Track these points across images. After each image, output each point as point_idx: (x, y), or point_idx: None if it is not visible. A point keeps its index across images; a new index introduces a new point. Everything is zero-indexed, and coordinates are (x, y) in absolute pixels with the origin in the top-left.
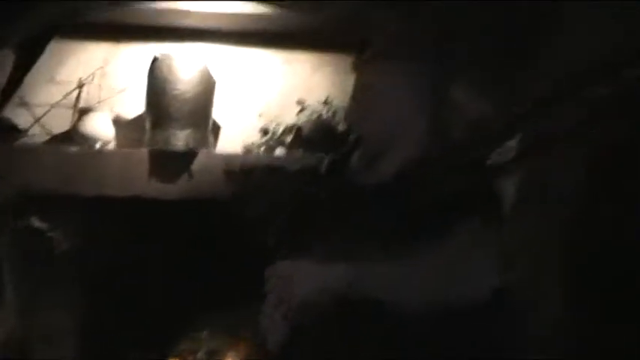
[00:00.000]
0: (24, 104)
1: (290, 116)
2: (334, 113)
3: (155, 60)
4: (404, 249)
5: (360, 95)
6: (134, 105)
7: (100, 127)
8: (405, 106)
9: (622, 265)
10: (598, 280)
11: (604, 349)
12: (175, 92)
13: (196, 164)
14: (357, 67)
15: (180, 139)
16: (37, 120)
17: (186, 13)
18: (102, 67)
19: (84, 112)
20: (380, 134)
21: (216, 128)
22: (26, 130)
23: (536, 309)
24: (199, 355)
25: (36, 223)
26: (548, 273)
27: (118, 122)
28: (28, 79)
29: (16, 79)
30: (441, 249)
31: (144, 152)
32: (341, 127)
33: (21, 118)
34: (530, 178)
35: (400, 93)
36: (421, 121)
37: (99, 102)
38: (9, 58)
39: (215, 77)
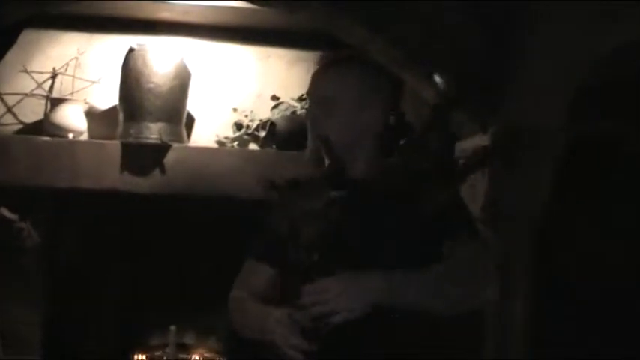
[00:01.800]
0: None
1: (264, 111)
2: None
3: (130, 51)
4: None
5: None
6: (108, 97)
7: (73, 118)
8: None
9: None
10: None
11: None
12: (150, 85)
13: (169, 158)
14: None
15: (154, 132)
16: (9, 109)
17: (163, 6)
18: (76, 58)
19: (57, 102)
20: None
21: (190, 122)
22: None
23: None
24: (167, 349)
25: (6, 213)
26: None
27: (91, 113)
28: (1, 68)
29: None
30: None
31: (117, 144)
32: None
33: None
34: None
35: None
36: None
37: (72, 93)
38: None
39: (190, 71)
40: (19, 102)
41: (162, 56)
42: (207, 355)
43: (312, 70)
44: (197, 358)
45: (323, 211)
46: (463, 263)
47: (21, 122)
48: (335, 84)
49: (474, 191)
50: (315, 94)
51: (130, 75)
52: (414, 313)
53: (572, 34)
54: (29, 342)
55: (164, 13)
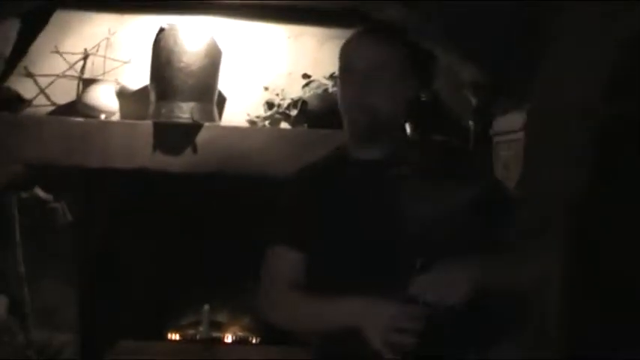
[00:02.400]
0: (29, 74)
1: (295, 90)
2: None
3: (161, 31)
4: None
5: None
6: (139, 77)
7: (105, 99)
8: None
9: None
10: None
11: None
12: (181, 64)
13: (201, 137)
14: None
15: (185, 111)
16: (42, 90)
17: None
18: (107, 38)
19: (89, 83)
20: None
21: (221, 101)
22: (31, 101)
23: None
24: (201, 329)
25: (40, 193)
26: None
27: (122, 94)
28: (33, 49)
29: (21, 50)
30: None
31: (148, 124)
32: None
33: (25, 88)
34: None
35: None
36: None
37: (104, 73)
38: (13, 28)
39: (221, 49)
40: (51, 83)
41: (192, 35)
42: (240, 333)
43: None
44: (230, 336)
45: (388, 190)
46: (522, 242)
47: (53, 103)
48: (378, 53)
49: (508, 171)
50: (352, 64)
51: (161, 55)
52: (505, 293)
53: (603, 14)
54: (64, 320)
55: None
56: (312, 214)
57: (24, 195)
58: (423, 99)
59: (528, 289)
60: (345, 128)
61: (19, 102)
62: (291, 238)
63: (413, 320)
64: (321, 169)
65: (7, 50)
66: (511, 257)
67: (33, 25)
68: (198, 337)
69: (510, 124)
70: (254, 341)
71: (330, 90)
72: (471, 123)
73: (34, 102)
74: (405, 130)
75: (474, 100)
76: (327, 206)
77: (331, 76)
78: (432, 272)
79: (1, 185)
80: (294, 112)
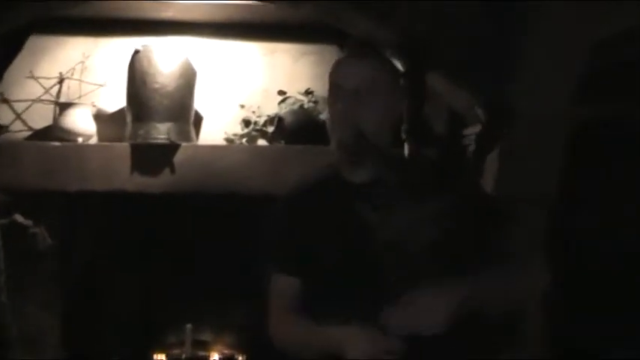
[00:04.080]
0: (4, 100)
1: (271, 107)
2: (316, 103)
3: (135, 53)
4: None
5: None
6: (115, 99)
7: (82, 122)
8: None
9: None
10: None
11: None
12: (156, 85)
13: (178, 157)
14: None
15: (162, 132)
16: (18, 116)
17: (166, 6)
18: (82, 62)
19: (65, 107)
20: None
21: (198, 120)
22: (7, 126)
23: None
24: (185, 348)
25: (19, 219)
26: None
27: (99, 116)
28: (8, 74)
29: None
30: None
31: (125, 146)
32: (323, 117)
33: (1, 114)
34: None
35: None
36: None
37: (80, 96)
38: None
39: (196, 69)
40: (27, 108)
41: (167, 56)
42: (226, 351)
43: (318, 64)
44: (217, 355)
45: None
46: (517, 253)
47: (30, 128)
48: (364, 73)
49: (485, 177)
50: (343, 85)
51: (136, 76)
52: (493, 314)
53: (571, 20)
54: (47, 344)
55: (167, 13)
56: (302, 239)
57: (3, 221)
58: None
59: (525, 301)
60: (334, 149)
61: None
62: (284, 264)
63: (390, 353)
64: (311, 193)
65: None
66: (505, 270)
67: (7, 50)
68: (183, 356)
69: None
70: (240, 359)
71: (306, 106)
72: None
73: (11, 127)
74: (390, 150)
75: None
76: (318, 230)
77: (306, 92)
78: (407, 300)
79: None
80: (270, 129)
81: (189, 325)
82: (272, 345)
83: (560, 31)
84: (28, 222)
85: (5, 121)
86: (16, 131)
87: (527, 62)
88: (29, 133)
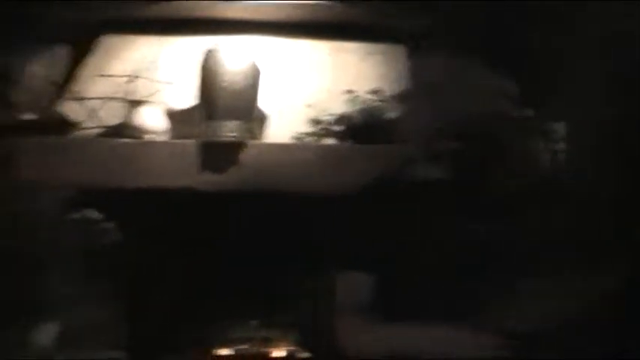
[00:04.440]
0: (78, 98)
1: (339, 106)
2: (383, 102)
3: (205, 52)
4: None
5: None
6: (184, 97)
7: (152, 120)
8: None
9: None
10: None
11: None
12: (224, 84)
13: (246, 155)
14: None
15: (230, 130)
16: (91, 114)
17: (234, 6)
18: (152, 61)
19: (135, 104)
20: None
21: (265, 119)
22: (80, 124)
23: None
24: (250, 344)
25: (90, 214)
26: None
27: (168, 114)
28: (82, 73)
29: (71, 75)
30: None
31: (194, 143)
32: (391, 116)
33: (75, 112)
34: None
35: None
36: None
37: (149, 95)
38: (62, 54)
39: (262, 69)
40: (100, 106)
41: (234, 55)
42: (289, 348)
43: (384, 63)
44: (280, 352)
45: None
46: None
47: (102, 126)
48: (438, 69)
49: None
50: (418, 81)
51: (206, 75)
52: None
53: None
54: (111, 338)
55: (235, 12)
56: (379, 237)
57: (75, 216)
58: None
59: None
60: (411, 147)
61: (69, 125)
62: (361, 261)
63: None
64: (384, 189)
65: (58, 76)
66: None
67: (81, 50)
68: (247, 352)
69: None
70: (303, 356)
71: (373, 105)
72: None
73: (84, 125)
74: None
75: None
76: (393, 229)
77: (374, 91)
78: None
79: (53, 207)
80: (338, 128)
81: (254, 322)
82: (337, 343)
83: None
84: (99, 217)
85: (78, 119)
86: (88, 128)
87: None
88: (101, 130)
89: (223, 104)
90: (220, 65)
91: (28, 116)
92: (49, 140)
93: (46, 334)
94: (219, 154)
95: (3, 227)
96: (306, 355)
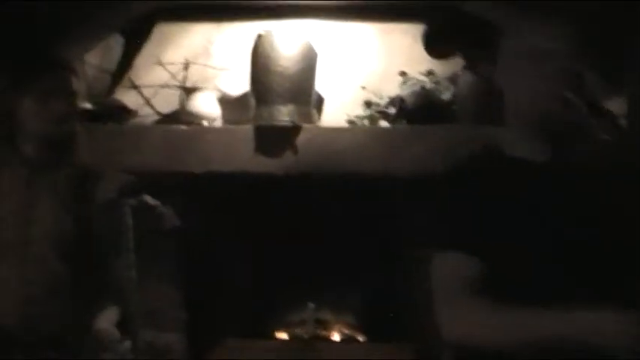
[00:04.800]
0: (133, 86)
1: (393, 88)
2: (437, 84)
3: (258, 38)
4: None
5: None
6: (238, 83)
7: (206, 106)
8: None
9: None
10: None
11: None
12: (278, 69)
13: (300, 139)
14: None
15: (285, 114)
16: (147, 101)
17: None
18: (206, 47)
19: (190, 91)
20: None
21: (319, 102)
22: (136, 111)
23: None
24: (307, 327)
25: (148, 199)
26: None
27: (223, 100)
28: (137, 62)
29: (125, 63)
30: None
31: (249, 128)
32: (445, 97)
33: (131, 99)
34: None
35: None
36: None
37: (204, 81)
38: (117, 43)
39: (317, 52)
40: (155, 93)
41: (288, 40)
42: (346, 332)
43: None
44: (337, 334)
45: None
46: None
47: (158, 113)
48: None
49: None
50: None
51: (259, 60)
52: None
53: None
54: (170, 321)
55: None
56: (472, 215)
57: (132, 202)
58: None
59: None
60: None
61: (125, 113)
62: (455, 241)
63: None
64: (475, 167)
65: (113, 64)
66: None
67: (136, 38)
68: (304, 335)
69: None
70: (360, 339)
71: (428, 86)
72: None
73: (140, 112)
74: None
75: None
76: (488, 206)
77: (428, 73)
78: None
79: (114, 193)
80: (392, 110)
81: (311, 304)
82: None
83: None
84: (156, 202)
85: (135, 106)
86: (144, 116)
87: None
88: (157, 117)
89: (278, 88)
90: (275, 49)
91: (86, 105)
92: (106, 128)
93: (108, 317)
94: (274, 139)
95: (66, 213)
96: (362, 337)
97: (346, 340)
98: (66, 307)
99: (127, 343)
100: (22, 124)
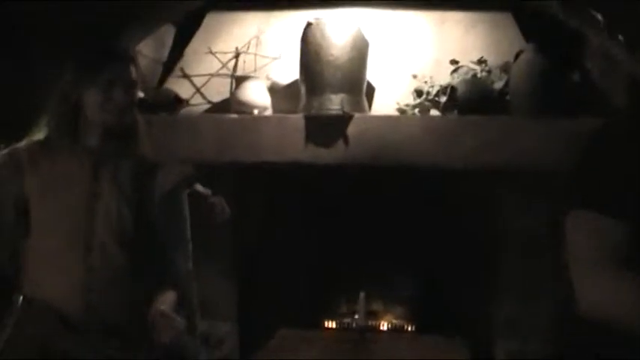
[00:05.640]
0: (185, 75)
1: (444, 77)
2: (489, 72)
3: (308, 26)
4: None
5: None
6: (289, 72)
7: (257, 95)
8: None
9: None
10: None
11: None
12: (329, 57)
13: (352, 128)
14: None
15: (335, 103)
16: (198, 90)
17: None
18: (256, 37)
19: (241, 80)
20: None
21: (370, 91)
22: (188, 100)
23: None
24: (357, 316)
25: (200, 189)
26: None
27: (273, 89)
28: (188, 51)
29: (176, 53)
30: None
31: (299, 118)
32: (497, 86)
33: (183, 89)
34: None
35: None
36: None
37: (255, 70)
38: (168, 34)
39: (368, 40)
40: (206, 83)
41: (339, 28)
42: (395, 322)
43: (490, 32)
44: (386, 324)
45: None
46: None
47: (209, 102)
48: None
49: None
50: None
51: (310, 49)
52: None
53: None
54: (224, 311)
55: None
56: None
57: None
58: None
59: None
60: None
61: (177, 102)
62: (599, 201)
63: None
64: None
65: (164, 54)
66: None
67: (187, 28)
68: (354, 325)
69: None
70: (409, 330)
71: (479, 75)
72: None
73: (191, 101)
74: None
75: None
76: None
77: (479, 61)
78: None
79: (172, 183)
80: (443, 99)
81: (362, 294)
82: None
83: None
84: (208, 191)
85: (186, 95)
86: (195, 105)
87: None
88: (208, 106)
89: (329, 77)
90: (326, 38)
91: (139, 95)
92: (159, 118)
93: (167, 301)
94: (325, 128)
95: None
96: (410, 327)
97: (395, 330)
98: (126, 295)
99: (184, 326)
100: (86, 115)
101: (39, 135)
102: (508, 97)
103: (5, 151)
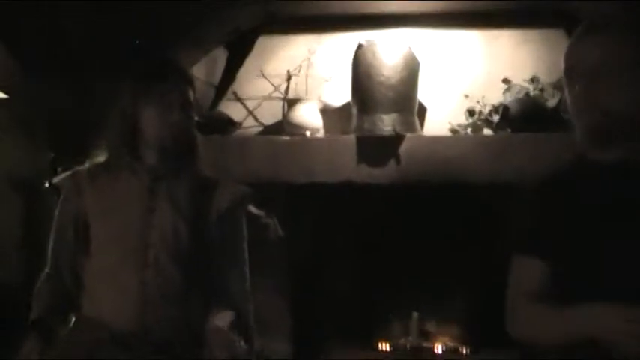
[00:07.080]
0: (237, 98)
1: (496, 95)
2: (542, 90)
3: (360, 47)
4: None
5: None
6: (340, 93)
7: (309, 116)
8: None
9: None
10: None
11: None
12: (381, 78)
13: (404, 148)
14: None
15: (387, 123)
16: (250, 112)
17: (389, 1)
18: (308, 58)
19: (293, 102)
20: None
21: (422, 111)
22: (240, 123)
23: None
24: (410, 337)
25: (253, 210)
26: None
27: (325, 110)
28: (240, 74)
29: (229, 76)
30: None
31: (352, 138)
32: (550, 104)
33: (235, 111)
34: None
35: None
36: None
37: (306, 92)
38: (220, 57)
39: (419, 60)
40: (258, 105)
41: (390, 49)
42: (450, 344)
43: (542, 50)
44: (440, 346)
45: None
46: None
47: (261, 124)
48: (601, 50)
49: None
50: (579, 66)
51: (361, 70)
52: None
53: None
54: (278, 330)
55: (389, 7)
56: (554, 221)
57: None
58: None
59: None
60: (579, 137)
61: (229, 125)
62: (534, 247)
63: None
64: (557, 175)
65: (217, 78)
66: None
67: (239, 52)
68: (407, 346)
69: None
70: (464, 352)
71: (532, 93)
72: None
73: (244, 124)
74: None
75: None
76: (567, 212)
77: (531, 79)
78: None
79: (229, 202)
80: (496, 118)
81: (415, 313)
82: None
83: None
84: (261, 213)
85: (238, 118)
86: (248, 127)
87: None
88: (260, 128)
89: (380, 98)
90: (377, 58)
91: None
92: (212, 139)
93: (223, 318)
94: (377, 149)
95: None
96: (467, 350)
97: (450, 351)
98: (178, 312)
99: (242, 345)
100: (144, 133)
101: (100, 157)
102: (563, 115)
103: (68, 173)
